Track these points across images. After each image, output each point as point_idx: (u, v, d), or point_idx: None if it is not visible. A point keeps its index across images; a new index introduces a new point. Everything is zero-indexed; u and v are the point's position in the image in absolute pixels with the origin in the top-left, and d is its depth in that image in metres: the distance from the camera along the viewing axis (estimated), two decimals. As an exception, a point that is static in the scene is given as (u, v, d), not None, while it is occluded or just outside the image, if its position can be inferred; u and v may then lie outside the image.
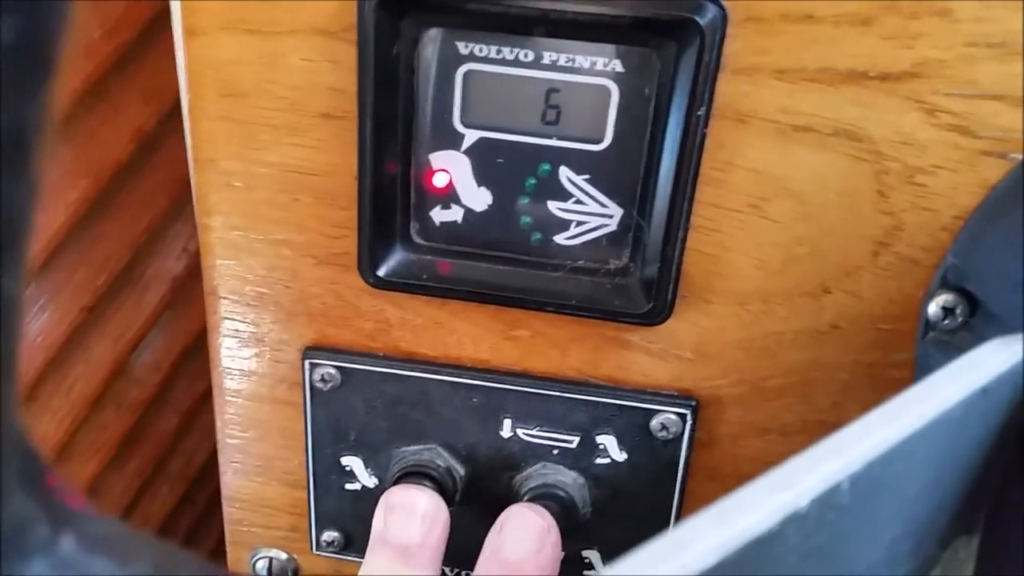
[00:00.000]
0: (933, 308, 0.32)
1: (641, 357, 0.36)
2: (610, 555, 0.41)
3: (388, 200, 0.34)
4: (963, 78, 0.29)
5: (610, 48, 0.31)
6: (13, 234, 0.12)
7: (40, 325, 0.46)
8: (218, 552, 0.54)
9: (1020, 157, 0.30)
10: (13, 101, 0.11)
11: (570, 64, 0.31)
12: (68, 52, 0.12)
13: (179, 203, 0.51)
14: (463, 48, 0.32)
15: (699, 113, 0.30)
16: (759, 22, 0.29)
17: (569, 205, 0.34)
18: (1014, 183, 0.30)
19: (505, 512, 0.36)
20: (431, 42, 0.32)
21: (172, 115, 0.47)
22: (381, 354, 0.38)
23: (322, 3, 0.31)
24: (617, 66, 0.31)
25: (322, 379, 0.38)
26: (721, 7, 0.28)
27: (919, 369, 0.34)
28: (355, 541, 0.43)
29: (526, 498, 0.38)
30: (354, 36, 0.31)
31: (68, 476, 0.50)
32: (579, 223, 0.34)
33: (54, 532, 0.16)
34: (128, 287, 0.51)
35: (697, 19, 0.28)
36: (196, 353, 0.56)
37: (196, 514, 0.65)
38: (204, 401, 0.60)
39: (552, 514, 0.37)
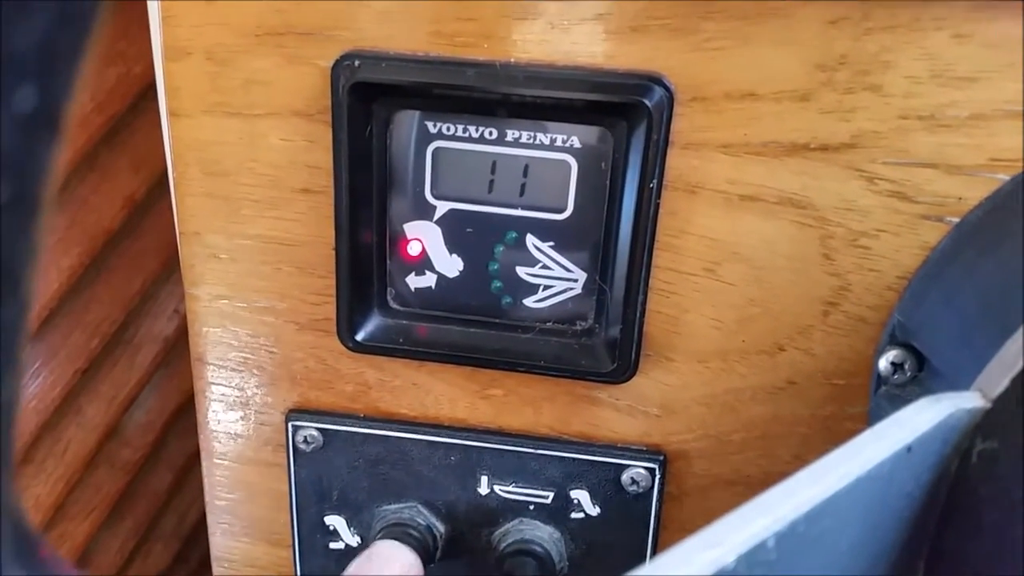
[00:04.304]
0: (883, 364, 0.34)
1: (610, 414, 0.38)
2: (587, 607, 0.42)
3: (365, 268, 0.36)
4: (898, 148, 0.31)
5: (568, 126, 0.33)
6: (9, 342, 0.14)
7: (34, 389, 0.47)
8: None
9: (956, 220, 0.32)
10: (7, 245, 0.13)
11: (531, 140, 0.33)
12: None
13: (169, 266, 0.53)
14: (432, 127, 0.34)
15: (651, 185, 0.32)
16: (704, 101, 0.31)
17: (536, 270, 0.36)
18: (951, 245, 0.32)
19: None
20: (402, 122, 0.34)
21: (161, 182, 0.49)
22: (362, 415, 0.39)
23: (298, 87, 0.33)
24: (575, 142, 0.33)
25: (305, 441, 0.40)
26: (667, 89, 0.31)
27: (873, 422, 0.35)
28: (340, 598, 0.44)
29: (504, 553, 0.40)
30: (329, 118, 0.33)
31: (63, 536, 0.51)
32: (546, 287, 0.36)
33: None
34: (121, 349, 0.52)
35: (645, 101, 0.30)
36: (188, 412, 0.58)
37: (189, 572, 0.66)
38: (196, 459, 0.60)
39: (530, 569, 0.39)
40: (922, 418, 0.24)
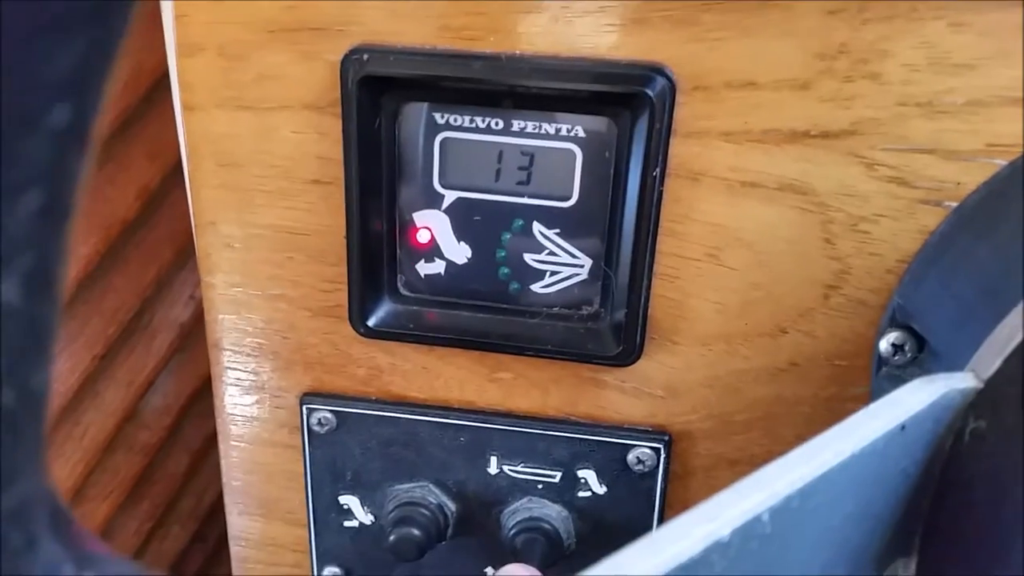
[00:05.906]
0: (884, 345, 0.34)
1: (616, 395, 0.39)
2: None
3: (375, 256, 0.37)
4: (897, 134, 0.32)
5: (573, 116, 0.34)
6: (43, 337, 0.15)
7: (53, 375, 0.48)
8: (227, 589, 0.56)
9: (954, 205, 0.32)
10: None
11: (537, 130, 0.34)
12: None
13: (184, 254, 0.54)
14: (439, 118, 0.35)
15: (655, 173, 0.32)
16: (705, 90, 0.32)
17: (543, 256, 0.37)
18: (949, 229, 0.33)
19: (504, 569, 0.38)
20: (410, 114, 0.35)
21: (175, 172, 0.49)
22: (374, 398, 0.41)
23: (309, 81, 0.34)
24: (580, 132, 0.34)
25: (319, 423, 0.41)
26: (669, 79, 0.31)
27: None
28: (355, 576, 0.45)
29: (513, 531, 0.41)
30: (339, 110, 0.34)
31: (82, 518, 0.52)
32: (553, 273, 0.37)
33: (79, 573, 0.18)
34: (137, 335, 0.53)
35: (647, 91, 0.31)
36: (204, 395, 0.59)
37: (207, 552, 0.67)
38: (213, 442, 0.62)
39: (538, 547, 0.40)
40: (916, 398, 0.25)
